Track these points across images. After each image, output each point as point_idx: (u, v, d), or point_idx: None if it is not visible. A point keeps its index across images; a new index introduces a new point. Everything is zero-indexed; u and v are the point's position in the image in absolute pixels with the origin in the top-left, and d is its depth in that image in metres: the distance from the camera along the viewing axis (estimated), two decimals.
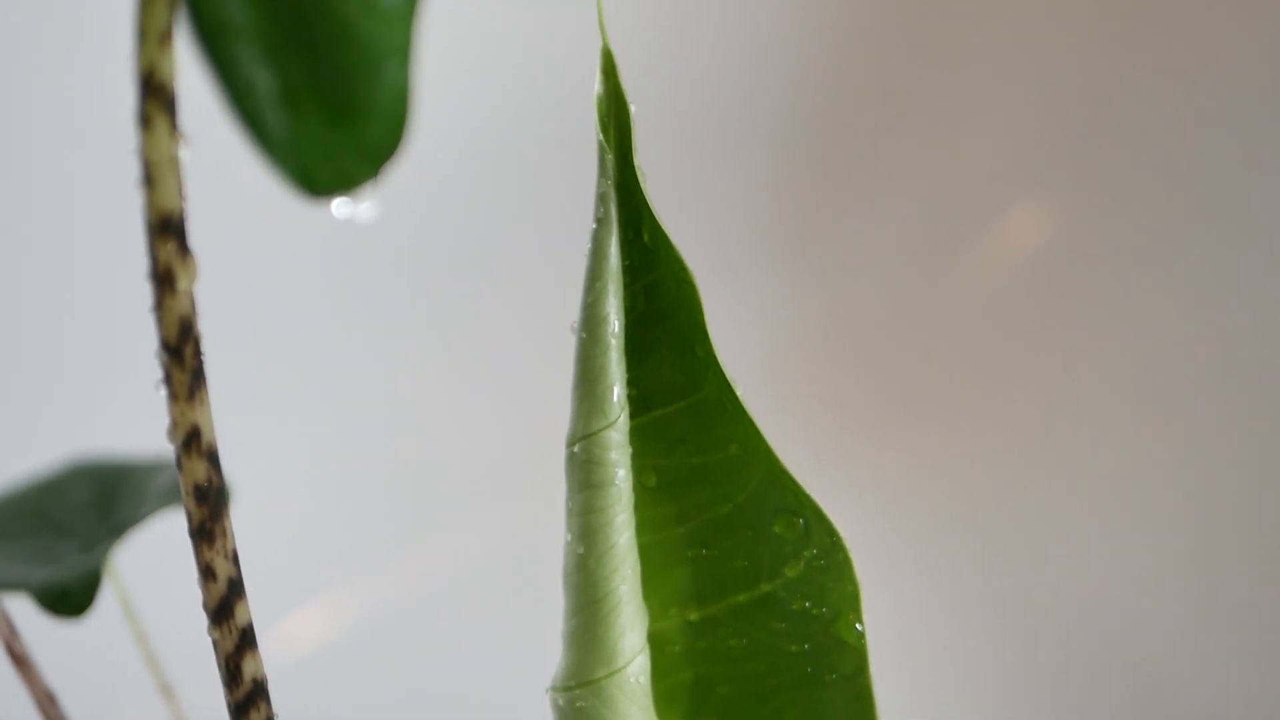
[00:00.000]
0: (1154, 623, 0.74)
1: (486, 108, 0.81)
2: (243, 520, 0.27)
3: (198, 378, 0.22)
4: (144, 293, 0.21)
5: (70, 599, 0.34)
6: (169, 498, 0.37)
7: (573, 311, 0.26)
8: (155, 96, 0.19)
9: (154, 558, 0.51)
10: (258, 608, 0.25)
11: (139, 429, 0.51)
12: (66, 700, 0.33)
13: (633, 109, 0.25)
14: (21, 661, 0.31)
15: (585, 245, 0.26)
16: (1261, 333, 0.78)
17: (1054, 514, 0.79)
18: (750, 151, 0.85)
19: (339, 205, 0.19)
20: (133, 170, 0.20)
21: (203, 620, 0.24)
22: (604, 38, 0.25)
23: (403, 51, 0.18)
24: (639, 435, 0.26)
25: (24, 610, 0.35)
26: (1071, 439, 0.81)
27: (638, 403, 0.26)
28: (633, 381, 0.26)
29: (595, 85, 0.25)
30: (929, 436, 0.83)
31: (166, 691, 0.38)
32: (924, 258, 0.84)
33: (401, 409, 0.83)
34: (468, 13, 0.78)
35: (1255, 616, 0.73)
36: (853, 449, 0.83)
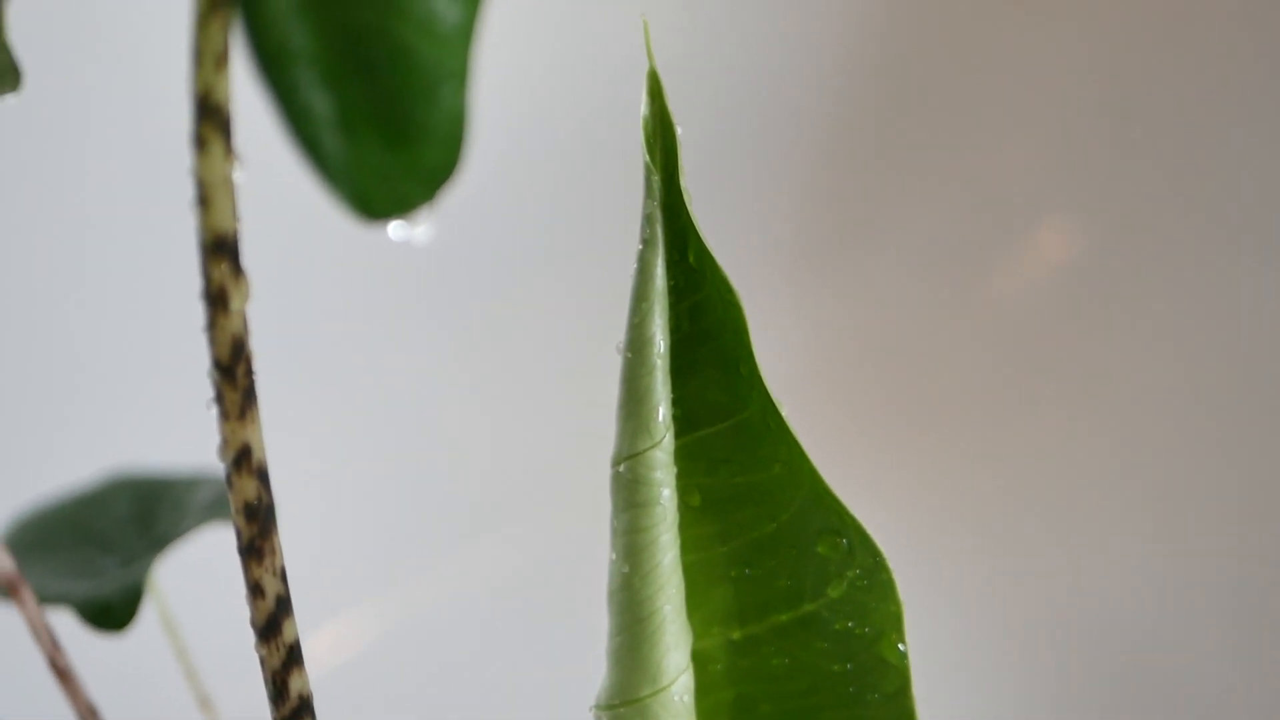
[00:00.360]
0: (1154, 622, 0.74)
1: (532, 126, 0.81)
2: None
3: (249, 397, 0.22)
4: (195, 311, 0.22)
5: (112, 614, 0.34)
6: (209, 512, 0.37)
7: (616, 331, 0.26)
8: (211, 118, 0.19)
9: (194, 571, 0.51)
10: None
11: (180, 442, 0.51)
12: (108, 713, 0.33)
13: (679, 131, 0.25)
14: (64, 675, 0.31)
15: (629, 265, 0.26)
16: None
17: (1076, 524, 0.78)
18: (774, 170, 0.85)
19: (395, 228, 0.19)
20: (188, 191, 0.20)
21: (243, 634, 0.24)
22: (650, 60, 0.25)
23: (460, 75, 0.18)
24: (683, 455, 0.26)
25: (66, 624, 0.35)
26: (1095, 453, 0.80)
27: (682, 422, 0.26)
28: (677, 401, 0.26)
29: (641, 106, 0.25)
30: (953, 452, 0.82)
31: (206, 705, 0.38)
32: (949, 275, 0.84)
33: (437, 426, 0.83)
34: (511, 32, 0.78)
35: (1255, 617, 0.73)
36: (875, 465, 0.82)
